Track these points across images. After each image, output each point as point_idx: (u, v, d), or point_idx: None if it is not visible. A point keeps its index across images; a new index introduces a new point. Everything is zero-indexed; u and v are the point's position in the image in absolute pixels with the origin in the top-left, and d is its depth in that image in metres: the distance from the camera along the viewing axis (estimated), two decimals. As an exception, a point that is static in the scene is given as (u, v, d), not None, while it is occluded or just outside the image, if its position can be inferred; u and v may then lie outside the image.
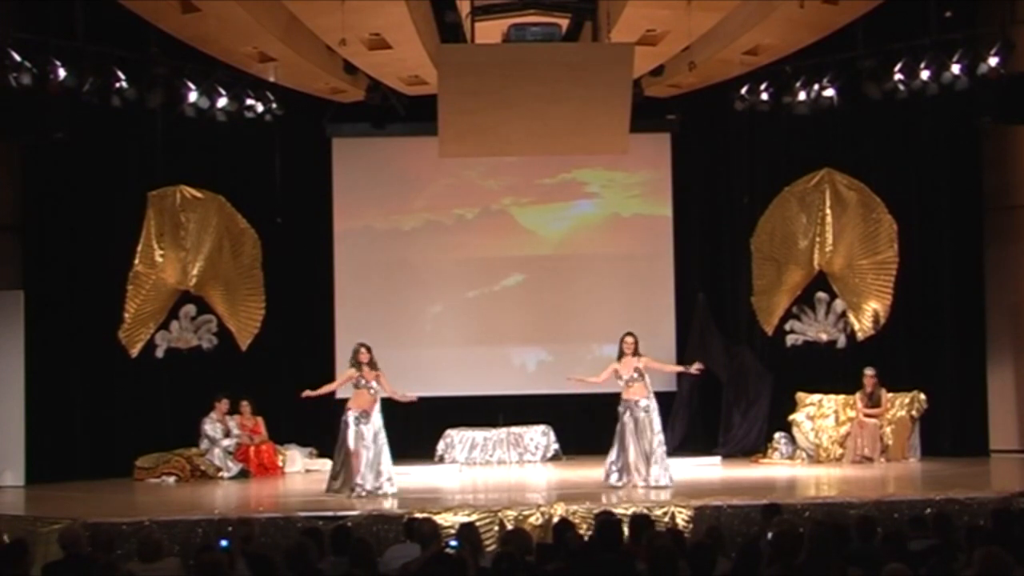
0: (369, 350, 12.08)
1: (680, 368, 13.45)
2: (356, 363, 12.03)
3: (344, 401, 12.32)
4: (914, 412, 14.30)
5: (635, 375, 12.13)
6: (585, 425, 15.89)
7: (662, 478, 11.94)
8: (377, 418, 12.02)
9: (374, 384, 11.97)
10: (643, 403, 12.13)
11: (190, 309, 14.98)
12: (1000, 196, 14.66)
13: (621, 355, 12.28)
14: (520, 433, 15.48)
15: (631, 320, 16.06)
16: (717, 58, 13.69)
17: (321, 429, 15.14)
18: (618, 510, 9.23)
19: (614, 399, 12.39)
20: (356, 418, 11.94)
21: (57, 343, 13.82)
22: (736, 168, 16.01)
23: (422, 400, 12.93)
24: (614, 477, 12.10)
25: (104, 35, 13.27)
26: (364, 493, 11.69)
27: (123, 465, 13.88)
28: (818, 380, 14.79)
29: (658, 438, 12.10)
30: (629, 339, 12.32)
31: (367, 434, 11.90)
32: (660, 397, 12.66)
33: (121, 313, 14.27)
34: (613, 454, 12.16)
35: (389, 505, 11.16)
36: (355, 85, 14.49)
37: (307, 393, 12.16)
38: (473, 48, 11.75)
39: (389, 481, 11.91)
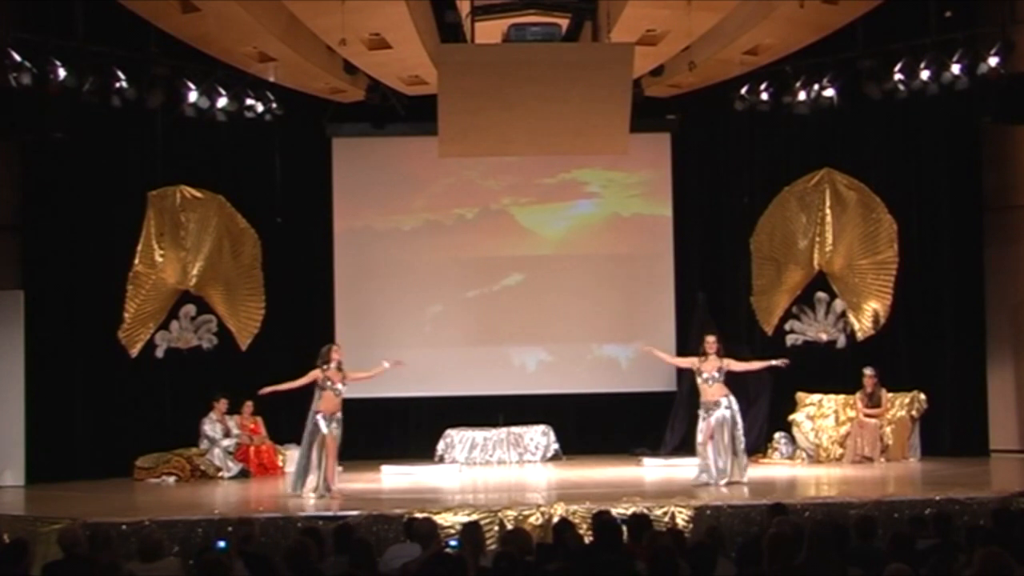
0: (339, 351, 12.00)
1: (766, 364, 12.93)
2: (325, 363, 11.83)
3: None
4: (914, 412, 14.31)
5: (716, 375, 12.15)
6: (585, 425, 15.92)
7: (741, 474, 12.07)
8: (339, 422, 11.93)
9: (340, 386, 11.86)
10: (724, 402, 12.17)
11: (190, 309, 14.99)
12: (1000, 196, 14.65)
13: (704, 354, 12.27)
14: (520, 433, 15.48)
15: (631, 320, 16.15)
16: (717, 58, 13.69)
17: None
18: (618, 510, 9.22)
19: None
20: (326, 420, 11.82)
21: (57, 343, 13.81)
22: (736, 168, 16.01)
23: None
24: (703, 476, 12.15)
25: (104, 35, 13.27)
26: (328, 494, 11.64)
27: (123, 465, 13.88)
28: (818, 380, 14.79)
29: (740, 434, 12.22)
30: (711, 339, 12.34)
31: (336, 436, 11.85)
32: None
33: (121, 313, 14.27)
34: (710, 454, 12.14)
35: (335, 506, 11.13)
36: (355, 85, 14.49)
37: (266, 390, 12.12)
38: (473, 48, 11.75)
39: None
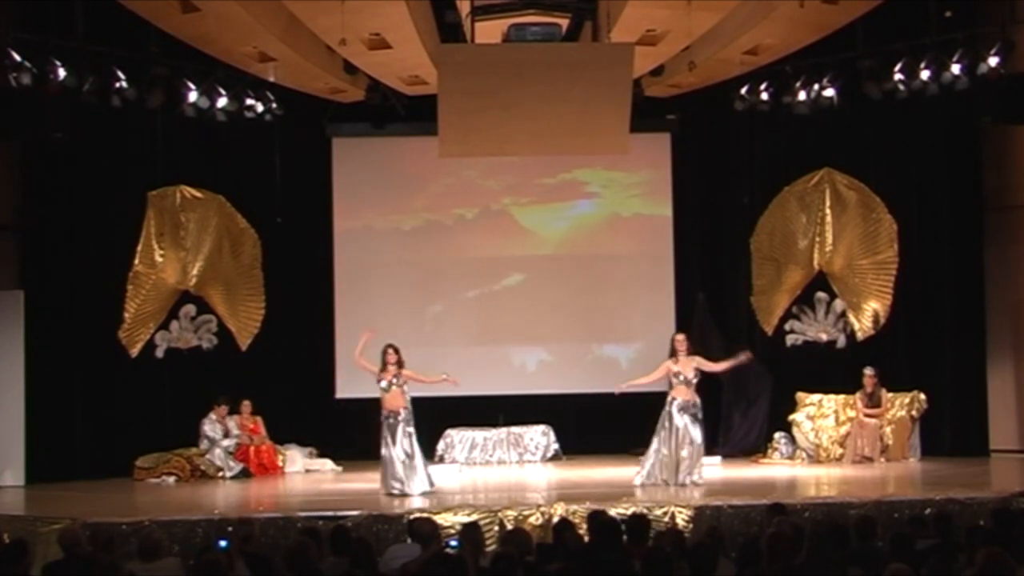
0: (397, 351, 12.07)
1: (731, 363, 12.74)
2: (382, 364, 12.05)
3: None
4: (914, 412, 14.30)
5: (691, 376, 12.08)
6: (585, 425, 15.91)
7: (696, 475, 12.01)
8: (404, 420, 12.03)
9: (388, 381, 11.94)
10: (696, 403, 12.13)
11: (190, 309, 14.98)
12: (1000, 196, 14.66)
13: (674, 354, 12.19)
14: (520, 433, 15.49)
15: (631, 320, 16.15)
16: (717, 58, 13.69)
17: (321, 429, 15.17)
18: (618, 510, 9.22)
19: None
20: (384, 417, 12.00)
21: (57, 343, 13.80)
22: (736, 168, 16.01)
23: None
24: (645, 476, 12.11)
25: (104, 35, 13.26)
26: (397, 492, 11.75)
27: (123, 465, 13.87)
28: (818, 380, 14.79)
29: (701, 436, 12.14)
30: (681, 337, 12.31)
31: (393, 433, 11.92)
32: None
33: (121, 313, 14.27)
34: (661, 452, 12.11)
35: (425, 503, 11.21)
36: (355, 85, 14.49)
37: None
38: (473, 48, 11.75)
39: (423, 481, 11.99)
